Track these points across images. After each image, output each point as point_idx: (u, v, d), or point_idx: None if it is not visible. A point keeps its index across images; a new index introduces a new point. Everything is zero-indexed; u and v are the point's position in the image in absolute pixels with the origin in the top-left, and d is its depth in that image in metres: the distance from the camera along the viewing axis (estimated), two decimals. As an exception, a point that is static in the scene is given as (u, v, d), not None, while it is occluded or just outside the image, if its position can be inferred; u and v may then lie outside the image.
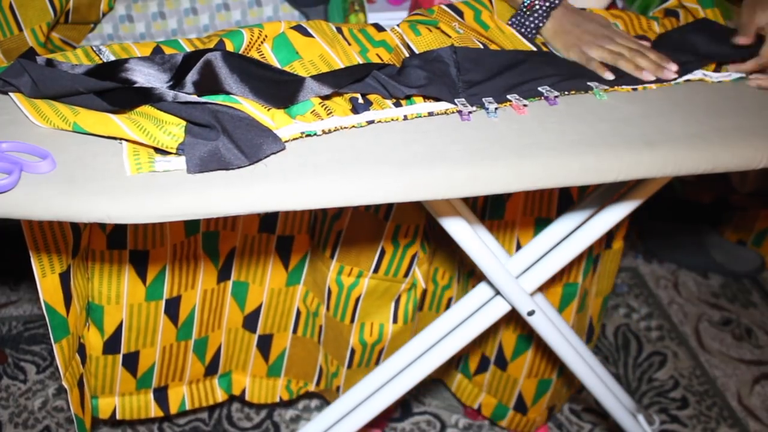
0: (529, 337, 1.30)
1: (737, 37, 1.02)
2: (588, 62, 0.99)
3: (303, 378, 1.36)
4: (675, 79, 0.99)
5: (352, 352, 1.25)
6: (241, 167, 0.75)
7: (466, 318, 1.12)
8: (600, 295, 1.37)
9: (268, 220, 1.16)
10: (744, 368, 1.71)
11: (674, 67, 0.98)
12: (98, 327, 1.15)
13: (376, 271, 1.17)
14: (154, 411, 1.28)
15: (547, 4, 1.02)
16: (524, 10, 1.03)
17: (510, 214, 1.19)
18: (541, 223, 1.19)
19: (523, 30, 1.03)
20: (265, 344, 1.30)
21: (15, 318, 1.65)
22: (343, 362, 1.27)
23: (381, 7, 1.42)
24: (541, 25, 1.03)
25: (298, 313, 1.28)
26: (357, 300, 1.20)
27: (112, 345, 1.17)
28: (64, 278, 0.99)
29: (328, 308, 1.22)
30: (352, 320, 1.22)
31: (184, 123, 0.77)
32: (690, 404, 1.61)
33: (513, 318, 1.28)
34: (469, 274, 1.29)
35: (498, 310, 1.09)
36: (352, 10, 1.29)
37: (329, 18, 1.35)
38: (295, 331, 1.30)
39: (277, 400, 1.37)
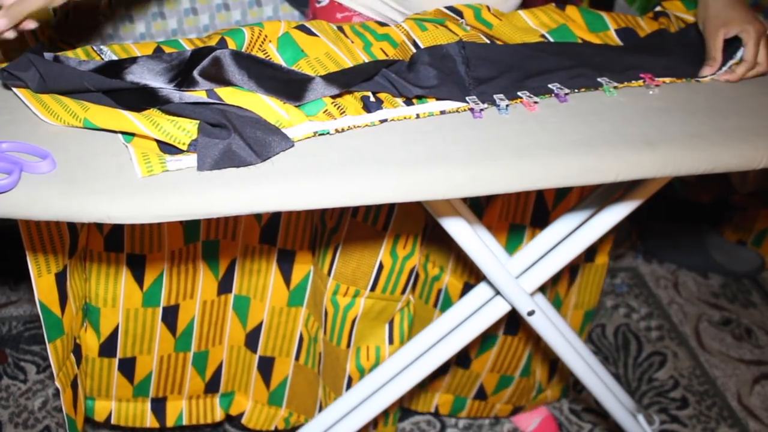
0: (494, 336, 1.30)
1: (704, 68, 1.01)
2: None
3: (303, 413, 1.34)
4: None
5: (350, 380, 1.22)
6: (251, 165, 0.75)
7: (466, 318, 1.12)
8: (581, 308, 1.37)
9: (269, 231, 1.14)
10: (744, 368, 1.71)
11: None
12: (95, 329, 1.14)
13: (373, 288, 1.15)
14: (150, 421, 1.27)
15: None
16: None
17: (487, 219, 1.19)
18: (514, 229, 1.19)
19: None
20: (266, 367, 1.28)
21: (15, 318, 1.65)
22: (341, 393, 1.25)
23: (381, 7, 1.41)
24: None
25: (301, 338, 1.26)
26: (353, 322, 1.18)
27: (108, 348, 1.16)
28: (60, 278, 0.98)
29: (325, 331, 1.20)
30: (348, 344, 1.20)
31: (197, 120, 0.77)
32: (690, 404, 1.61)
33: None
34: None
35: (498, 310, 1.09)
36: (352, 10, 1.29)
37: (329, 18, 1.35)
38: (297, 358, 1.28)
39: (273, 429, 1.35)
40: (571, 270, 1.32)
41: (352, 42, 0.97)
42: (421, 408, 1.44)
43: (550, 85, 0.93)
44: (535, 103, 0.91)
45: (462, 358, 1.35)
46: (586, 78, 0.95)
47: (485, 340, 1.32)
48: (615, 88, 0.95)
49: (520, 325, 1.30)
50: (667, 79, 0.99)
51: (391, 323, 1.21)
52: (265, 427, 1.35)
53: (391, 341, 1.22)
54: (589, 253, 1.31)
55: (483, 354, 1.34)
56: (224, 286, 1.18)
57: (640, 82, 0.97)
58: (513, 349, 1.34)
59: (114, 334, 1.15)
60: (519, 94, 0.91)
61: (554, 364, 1.42)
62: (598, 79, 0.95)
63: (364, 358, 1.21)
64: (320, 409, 1.32)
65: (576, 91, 0.94)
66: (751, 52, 0.99)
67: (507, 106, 0.89)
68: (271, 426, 1.35)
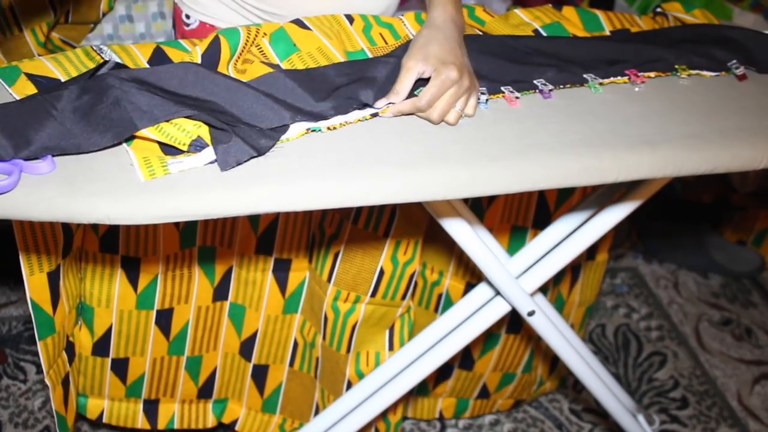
0: (497, 335, 1.30)
1: (387, 96, 0.85)
2: None
3: (299, 418, 1.33)
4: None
5: (349, 384, 1.22)
6: (261, 155, 0.76)
7: (466, 318, 1.12)
8: (583, 305, 1.37)
9: (265, 241, 1.14)
10: (744, 368, 1.71)
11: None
12: (89, 327, 1.14)
13: (374, 294, 1.15)
14: (142, 423, 1.27)
15: None
16: None
17: (488, 220, 1.18)
18: (516, 231, 1.19)
19: None
20: (260, 375, 1.28)
21: (15, 318, 1.65)
22: (340, 396, 1.23)
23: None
24: None
25: (295, 344, 1.25)
26: (353, 328, 1.17)
27: (101, 347, 1.16)
28: (53, 277, 0.98)
29: (324, 337, 1.20)
30: (348, 350, 1.19)
31: (199, 123, 0.77)
32: (690, 404, 1.61)
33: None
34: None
35: (498, 310, 1.09)
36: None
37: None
38: (291, 364, 1.27)
39: None
40: (573, 269, 1.32)
41: (353, 20, 0.96)
42: (426, 415, 1.44)
43: (535, 81, 0.93)
44: (517, 98, 0.90)
45: (465, 361, 1.35)
46: (571, 74, 0.95)
47: (488, 339, 1.32)
48: (600, 84, 0.95)
49: (522, 324, 1.30)
50: (652, 74, 0.99)
51: (391, 329, 1.21)
52: None
53: (391, 347, 1.22)
54: (590, 251, 1.31)
55: (486, 354, 1.34)
56: (220, 293, 1.18)
57: (625, 78, 0.97)
58: (515, 347, 1.35)
59: (107, 334, 1.15)
60: (501, 89, 0.91)
61: (555, 358, 1.42)
62: (584, 76, 0.95)
63: (363, 364, 1.21)
64: (316, 412, 1.32)
65: (561, 87, 0.93)
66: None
67: (487, 100, 0.89)
68: None
